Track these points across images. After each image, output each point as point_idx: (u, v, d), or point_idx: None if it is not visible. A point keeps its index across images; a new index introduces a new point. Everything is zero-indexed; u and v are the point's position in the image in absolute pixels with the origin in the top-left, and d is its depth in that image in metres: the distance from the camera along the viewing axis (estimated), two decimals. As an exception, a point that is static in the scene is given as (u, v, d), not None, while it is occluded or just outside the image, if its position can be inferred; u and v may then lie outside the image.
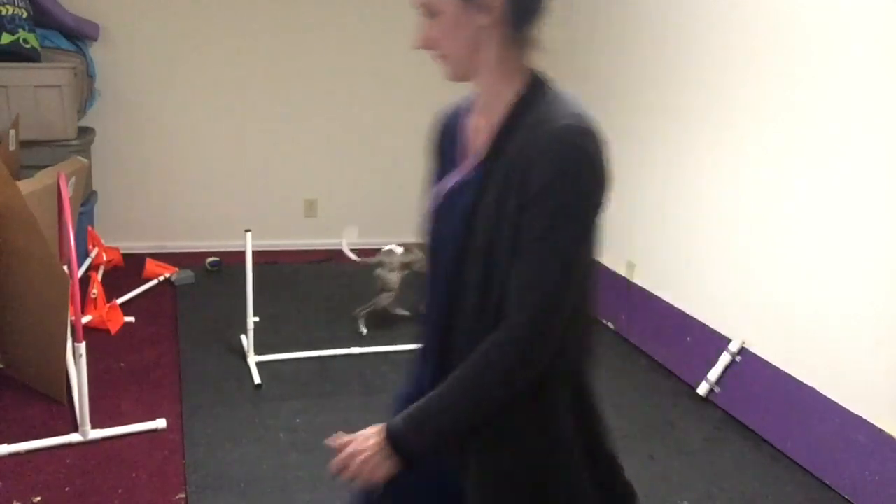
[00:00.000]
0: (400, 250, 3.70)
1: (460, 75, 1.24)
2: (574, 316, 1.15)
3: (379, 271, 3.68)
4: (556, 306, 1.12)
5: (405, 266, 3.67)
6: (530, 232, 1.11)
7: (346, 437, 1.21)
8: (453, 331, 1.21)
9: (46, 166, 3.09)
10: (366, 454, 1.17)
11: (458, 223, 1.19)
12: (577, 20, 4.43)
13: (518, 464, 1.19)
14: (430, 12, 1.19)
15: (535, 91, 1.22)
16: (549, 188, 1.10)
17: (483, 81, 1.24)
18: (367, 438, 1.18)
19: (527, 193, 1.10)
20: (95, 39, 4.23)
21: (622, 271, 4.07)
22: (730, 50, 3.27)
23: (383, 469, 1.17)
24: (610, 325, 3.96)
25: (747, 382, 3.12)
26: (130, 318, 3.63)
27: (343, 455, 1.20)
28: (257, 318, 3.28)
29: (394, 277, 3.65)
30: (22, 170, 3.36)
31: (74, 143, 3.89)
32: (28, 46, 3.73)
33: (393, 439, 1.16)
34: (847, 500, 2.61)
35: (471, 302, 1.18)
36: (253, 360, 3.27)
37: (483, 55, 1.20)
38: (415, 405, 1.17)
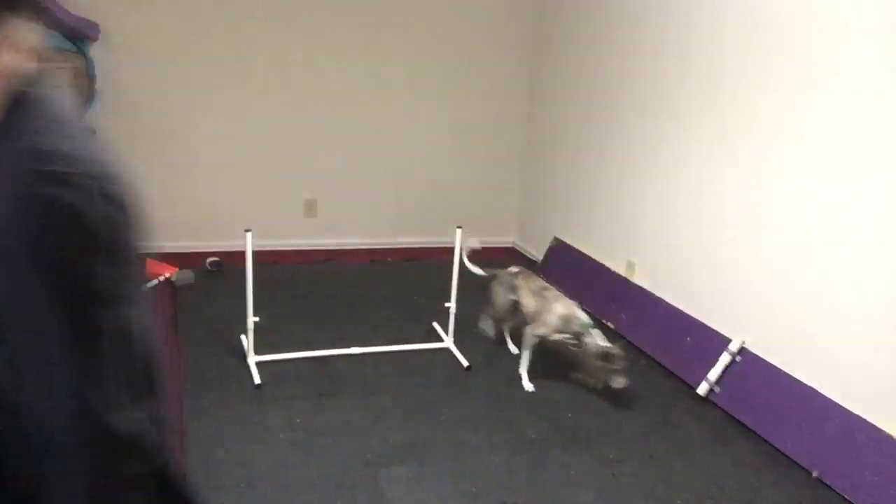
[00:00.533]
0: (515, 269, 3.70)
1: None
2: None
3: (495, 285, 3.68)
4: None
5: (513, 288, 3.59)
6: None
7: None
8: None
9: (46, 166, 3.09)
10: None
11: None
12: (578, 21, 4.43)
13: None
14: None
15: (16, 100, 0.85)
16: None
17: None
18: None
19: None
20: (95, 39, 4.23)
21: (622, 271, 4.07)
22: (731, 52, 3.27)
23: None
24: (610, 325, 3.96)
25: (747, 382, 3.12)
26: (130, 318, 3.63)
27: None
28: (257, 318, 3.28)
29: (502, 297, 3.61)
30: (22, 170, 3.36)
31: (74, 143, 3.88)
32: (28, 46, 3.73)
33: None
34: (847, 500, 2.61)
35: None
36: (253, 360, 3.28)
37: None
38: None
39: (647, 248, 3.91)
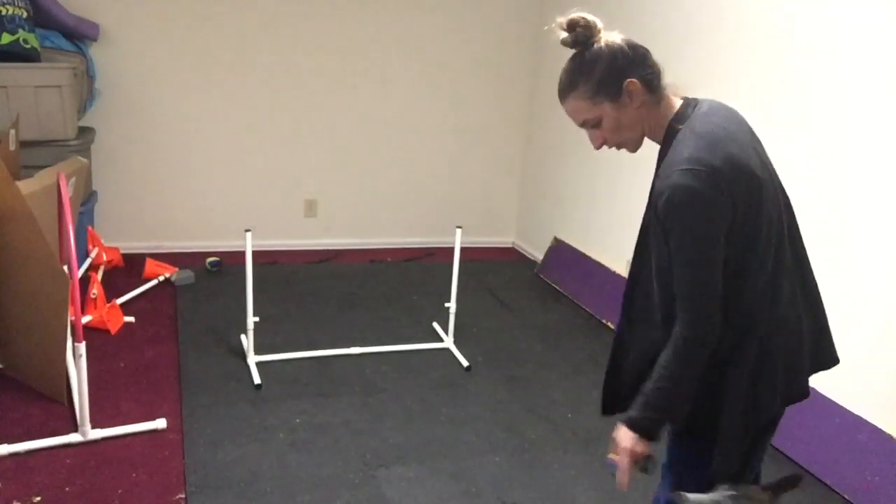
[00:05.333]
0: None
1: (636, 147, 1.65)
2: (737, 310, 1.48)
3: None
4: (694, 308, 1.45)
5: None
6: (672, 252, 1.47)
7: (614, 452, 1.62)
8: (628, 318, 1.69)
9: (46, 166, 3.10)
10: (625, 446, 1.56)
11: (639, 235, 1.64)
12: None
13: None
14: (593, 124, 1.60)
15: (668, 135, 1.56)
16: (666, 221, 1.46)
17: (652, 138, 1.62)
18: (621, 438, 1.58)
19: (661, 222, 1.48)
20: (95, 39, 4.23)
21: (622, 271, 4.07)
22: (730, 51, 3.27)
23: (640, 447, 1.55)
24: (610, 325, 3.96)
25: (747, 382, 3.12)
26: (130, 318, 3.63)
27: (618, 459, 1.60)
28: (257, 318, 3.28)
29: None
30: (22, 170, 3.36)
31: (74, 143, 3.89)
32: (28, 46, 3.73)
33: (637, 427, 1.54)
34: (847, 500, 2.61)
35: (639, 298, 1.62)
36: (253, 360, 3.28)
37: (646, 125, 1.59)
38: (640, 397, 1.55)
39: (647, 248, 3.91)
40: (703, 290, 1.45)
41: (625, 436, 1.57)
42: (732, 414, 1.53)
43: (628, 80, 1.52)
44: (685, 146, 1.48)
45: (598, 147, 1.64)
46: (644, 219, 1.59)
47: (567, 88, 1.62)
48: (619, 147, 1.63)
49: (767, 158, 1.60)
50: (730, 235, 1.45)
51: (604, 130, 1.59)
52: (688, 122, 1.53)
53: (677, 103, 1.58)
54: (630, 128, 1.58)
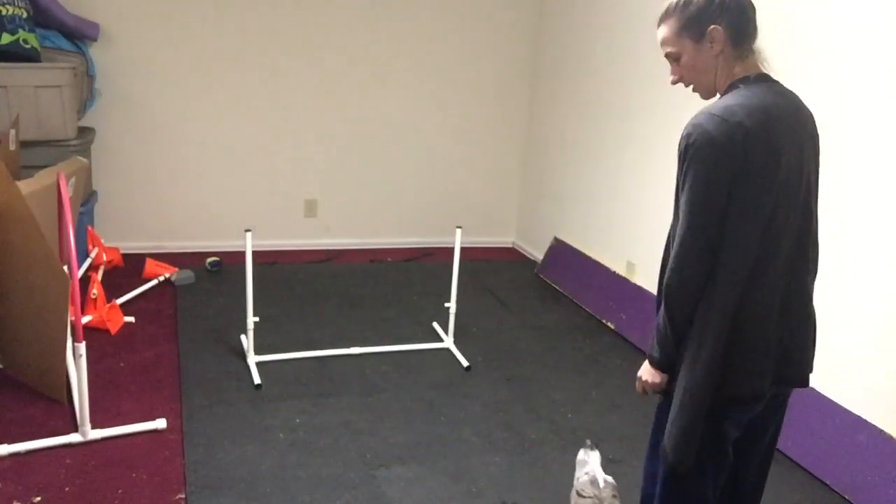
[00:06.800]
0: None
1: (708, 95, 1.68)
2: (722, 258, 1.53)
3: None
4: (685, 253, 1.54)
5: None
6: (681, 194, 1.57)
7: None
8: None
9: (46, 166, 3.09)
10: (638, 374, 1.77)
11: None
12: (578, 21, 4.43)
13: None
14: (674, 58, 1.66)
15: (727, 91, 1.62)
16: (683, 159, 1.54)
17: (720, 93, 1.65)
18: (643, 371, 1.76)
19: (679, 162, 1.56)
20: (95, 39, 4.23)
21: (622, 271, 4.07)
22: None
23: (657, 378, 1.73)
24: (610, 325, 3.96)
25: (747, 382, 3.11)
26: (130, 318, 3.63)
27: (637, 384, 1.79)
28: (257, 318, 3.28)
29: None
30: (22, 170, 3.36)
31: (74, 143, 3.89)
32: (28, 46, 3.73)
33: (649, 360, 1.73)
34: (847, 500, 2.61)
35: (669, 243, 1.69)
36: (253, 360, 3.28)
37: (719, 75, 1.63)
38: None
39: (646, 248, 3.91)
40: (695, 234, 1.52)
41: (642, 368, 1.76)
42: (687, 376, 1.63)
43: (713, 25, 1.58)
44: (729, 98, 1.56)
45: (674, 82, 1.70)
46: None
47: (663, 16, 1.68)
48: (693, 88, 1.69)
49: (812, 165, 1.63)
50: (732, 192, 1.50)
51: (681, 67, 1.66)
52: (749, 86, 1.58)
53: (754, 70, 1.63)
54: (704, 72, 1.64)
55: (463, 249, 3.56)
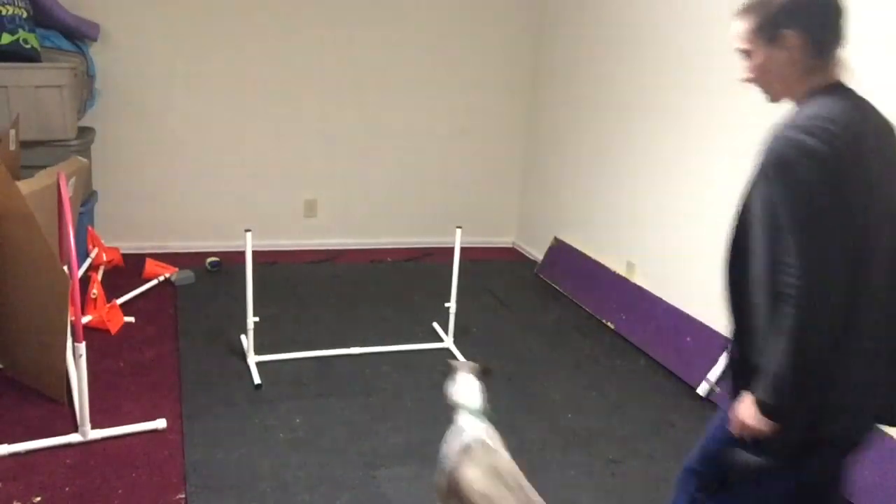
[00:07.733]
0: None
1: (776, 98, 1.61)
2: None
3: None
4: (805, 279, 1.42)
5: None
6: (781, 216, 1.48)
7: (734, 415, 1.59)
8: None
9: (46, 166, 3.09)
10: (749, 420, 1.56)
11: None
12: (579, 21, 4.43)
13: None
14: (746, 54, 1.60)
15: (803, 102, 1.53)
16: (765, 178, 1.47)
17: (793, 101, 1.57)
18: (746, 408, 1.56)
19: (766, 178, 1.49)
20: (95, 39, 4.23)
21: (622, 271, 4.07)
22: (732, 51, 3.27)
23: (762, 425, 1.54)
24: (610, 325, 3.96)
25: (747, 382, 3.11)
26: (130, 318, 3.63)
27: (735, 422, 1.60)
28: (257, 318, 3.28)
29: None
30: (22, 170, 3.35)
31: (74, 143, 3.89)
32: (28, 46, 3.73)
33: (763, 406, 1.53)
34: (847, 500, 2.60)
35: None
36: (253, 360, 3.28)
37: (792, 83, 1.55)
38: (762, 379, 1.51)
39: (646, 248, 3.91)
40: (813, 259, 1.40)
41: (745, 405, 1.57)
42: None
43: (788, 30, 1.50)
44: (811, 108, 1.47)
45: (744, 80, 1.63)
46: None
47: (741, 11, 1.58)
48: (763, 90, 1.61)
49: (892, 175, 1.54)
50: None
51: (751, 66, 1.60)
52: (831, 96, 1.50)
53: (833, 79, 1.54)
54: (774, 76, 1.56)
55: (463, 249, 3.56)
